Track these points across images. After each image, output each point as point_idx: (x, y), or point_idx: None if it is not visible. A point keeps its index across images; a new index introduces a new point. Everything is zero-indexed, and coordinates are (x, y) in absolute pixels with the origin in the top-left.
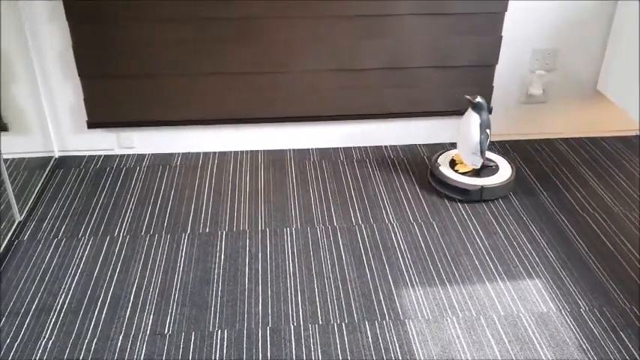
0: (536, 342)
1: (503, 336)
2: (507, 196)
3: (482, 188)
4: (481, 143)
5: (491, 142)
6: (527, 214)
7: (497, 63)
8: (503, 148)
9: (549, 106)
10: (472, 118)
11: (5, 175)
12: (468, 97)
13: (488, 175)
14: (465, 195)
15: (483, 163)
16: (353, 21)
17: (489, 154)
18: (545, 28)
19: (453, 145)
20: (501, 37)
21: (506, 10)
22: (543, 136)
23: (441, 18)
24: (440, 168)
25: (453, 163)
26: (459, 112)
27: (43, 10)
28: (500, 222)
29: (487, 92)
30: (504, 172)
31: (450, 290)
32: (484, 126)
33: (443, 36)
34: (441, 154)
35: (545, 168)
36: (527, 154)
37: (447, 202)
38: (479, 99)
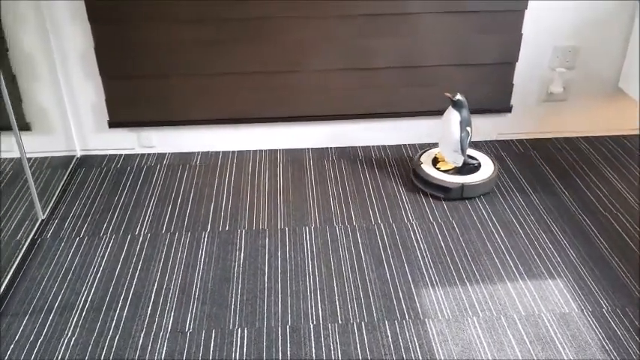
0: (557, 342)
1: (525, 336)
2: (529, 194)
3: (462, 186)
4: (461, 141)
5: (481, 141)
6: (548, 213)
7: (517, 61)
8: (523, 146)
9: (570, 104)
10: (452, 116)
11: (29, 174)
12: (448, 94)
13: (471, 173)
14: (446, 192)
15: (465, 161)
16: (368, 20)
17: (473, 152)
18: (566, 25)
19: (472, 144)
20: (521, 34)
21: (526, 8)
22: (564, 134)
23: (460, 16)
24: (422, 166)
25: (435, 161)
26: (479, 111)
27: (66, 12)
28: (521, 221)
29: (507, 90)
30: (486, 169)
31: (470, 290)
32: (464, 123)
33: (462, 34)
34: (424, 153)
35: (565, 166)
36: (548, 152)
37: (466, 201)
38: (459, 96)
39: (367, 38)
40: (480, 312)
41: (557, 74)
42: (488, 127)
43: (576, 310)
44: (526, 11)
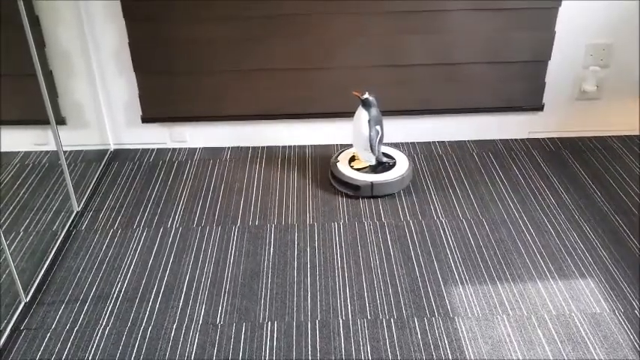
0: (589, 343)
1: (555, 336)
2: (560, 193)
3: (372, 184)
4: (371, 139)
5: (512, 139)
6: (580, 213)
7: (549, 59)
8: (555, 144)
9: (603, 102)
10: (362, 115)
11: (65, 167)
12: (356, 93)
13: (384, 172)
14: (356, 191)
15: (379, 159)
16: (401, 17)
17: (391, 151)
18: (599, 23)
19: (503, 142)
20: (555, 32)
21: (560, 5)
22: (597, 133)
23: (494, 13)
24: (337, 164)
25: (352, 160)
26: (510, 109)
27: (101, 9)
28: (552, 220)
29: (539, 88)
30: (400, 168)
31: (500, 288)
32: (373, 122)
33: (495, 32)
34: (343, 151)
35: (598, 166)
36: (580, 151)
37: (496, 198)
38: (367, 95)
39: (399, 35)
40: (510, 310)
41: (591, 72)
42: (519, 126)
43: (608, 310)
44: (560, 9)
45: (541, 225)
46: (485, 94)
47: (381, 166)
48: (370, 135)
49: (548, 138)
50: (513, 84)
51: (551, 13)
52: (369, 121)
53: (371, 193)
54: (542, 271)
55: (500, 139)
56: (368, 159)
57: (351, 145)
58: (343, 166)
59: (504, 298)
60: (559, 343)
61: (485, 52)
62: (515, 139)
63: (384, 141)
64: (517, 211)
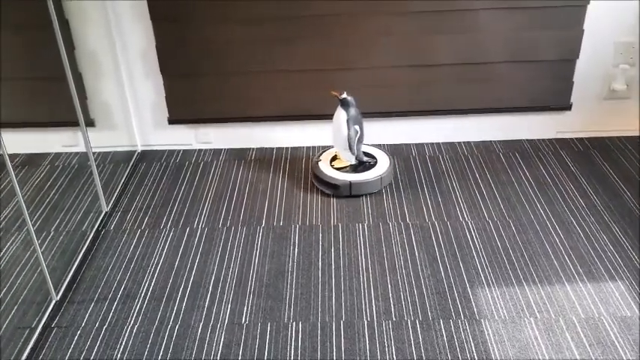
0: (618, 346)
1: (584, 339)
2: (589, 194)
3: (350, 184)
4: (349, 138)
5: (539, 139)
6: (609, 214)
7: (578, 57)
8: (583, 144)
9: (633, 101)
10: (340, 114)
11: (94, 168)
12: (334, 92)
13: (364, 171)
14: (335, 189)
15: (360, 158)
16: (427, 17)
17: (373, 150)
18: (629, 20)
19: (530, 142)
20: (583, 30)
21: (588, 3)
22: (626, 133)
23: (521, 12)
24: (319, 164)
25: (334, 159)
26: (538, 108)
27: (129, 11)
28: (581, 221)
29: (567, 87)
30: (379, 168)
31: (527, 290)
32: (352, 121)
33: (521, 30)
34: (325, 151)
35: (628, 166)
36: (609, 151)
37: (523, 200)
38: (345, 95)
39: (424, 35)
40: (537, 313)
41: (620, 71)
42: (547, 125)
43: (638, 313)
44: (588, 6)
45: (569, 226)
46: (512, 94)
47: (361, 166)
48: (349, 134)
49: (576, 138)
50: (540, 83)
51: (580, 11)
52: (347, 121)
53: (349, 192)
54: (571, 274)
55: (527, 139)
56: (348, 158)
57: (387, 146)
58: (324, 166)
59: (532, 301)
60: (588, 347)
61: (511, 51)
62: (543, 139)
63: (365, 141)
64: (545, 212)
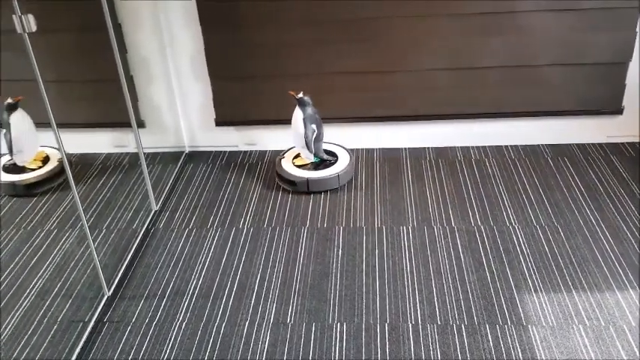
0: None
1: (635, 348)
2: None
3: (307, 180)
4: (306, 137)
5: (589, 144)
6: None
7: (630, 60)
8: (634, 149)
9: None
10: (297, 114)
11: (145, 168)
12: (292, 92)
13: (324, 169)
14: (293, 186)
15: (321, 156)
16: (476, 19)
17: (336, 149)
18: None
19: (579, 147)
20: (636, 33)
21: None
22: None
23: (571, 14)
24: (282, 161)
25: (296, 157)
26: (588, 112)
27: (179, 16)
28: (632, 228)
29: (618, 91)
30: (338, 167)
31: (576, 297)
32: (309, 121)
33: (571, 33)
34: (291, 149)
35: None
36: None
37: (572, 205)
38: (301, 95)
39: (473, 37)
40: (586, 320)
41: None
42: (597, 129)
43: None
44: None
45: (620, 233)
46: (561, 97)
47: (323, 164)
48: (306, 133)
49: (627, 142)
50: (591, 86)
51: (633, 13)
52: (304, 120)
53: (307, 188)
54: (621, 281)
55: (576, 144)
56: (307, 156)
57: (432, 149)
58: (286, 163)
59: (580, 308)
60: (639, 355)
61: (560, 53)
62: (593, 144)
63: (324, 139)
64: (594, 218)
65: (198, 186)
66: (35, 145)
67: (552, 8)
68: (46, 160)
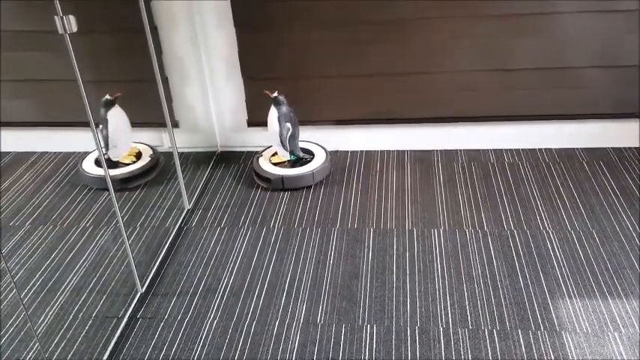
0: None
1: None
2: None
3: (282, 178)
4: (280, 135)
5: (621, 148)
6: None
7: None
8: None
9: None
10: (272, 113)
11: (178, 167)
12: (267, 91)
13: (299, 167)
14: (268, 183)
15: (297, 154)
16: (510, 20)
17: (312, 147)
18: None
19: (615, 151)
20: None
21: None
22: None
23: (607, 15)
24: (259, 159)
25: (274, 155)
26: (624, 115)
27: (213, 17)
28: None
29: None
30: (313, 164)
31: (611, 304)
32: (283, 119)
33: (608, 34)
34: (269, 147)
35: None
36: None
37: (607, 210)
38: (276, 94)
39: (509, 38)
40: (622, 328)
41: None
42: (634, 133)
43: None
44: None
45: None
46: (597, 100)
47: (299, 162)
48: (280, 131)
49: None
50: (628, 89)
51: None
52: (279, 118)
53: (282, 185)
54: None
55: (612, 147)
56: (283, 154)
57: (464, 151)
58: (263, 161)
59: (616, 315)
60: None
61: (597, 55)
62: (629, 148)
63: (300, 137)
64: (630, 223)
65: (230, 185)
66: (129, 140)
67: (589, 9)
68: (138, 155)
